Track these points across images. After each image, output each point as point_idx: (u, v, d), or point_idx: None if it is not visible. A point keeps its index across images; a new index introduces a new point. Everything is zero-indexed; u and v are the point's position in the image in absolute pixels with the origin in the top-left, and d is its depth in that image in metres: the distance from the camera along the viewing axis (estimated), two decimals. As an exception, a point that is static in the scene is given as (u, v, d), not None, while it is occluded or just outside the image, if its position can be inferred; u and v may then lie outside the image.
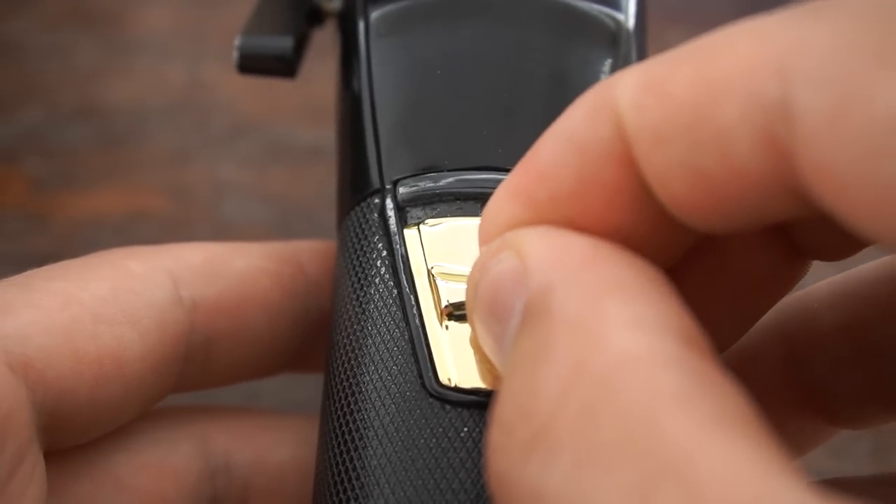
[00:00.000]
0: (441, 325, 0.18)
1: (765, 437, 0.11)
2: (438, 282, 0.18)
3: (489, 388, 0.17)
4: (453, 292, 0.18)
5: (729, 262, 0.16)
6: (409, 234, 0.19)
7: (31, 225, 0.37)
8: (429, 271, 0.18)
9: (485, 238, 0.15)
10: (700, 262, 0.16)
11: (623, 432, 0.11)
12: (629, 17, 0.21)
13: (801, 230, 0.16)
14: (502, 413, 0.13)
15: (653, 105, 0.13)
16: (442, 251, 0.18)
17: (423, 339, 0.18)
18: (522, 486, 0.12)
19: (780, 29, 0.12)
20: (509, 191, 0.15)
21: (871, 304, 0.17)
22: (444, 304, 0.18)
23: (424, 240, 0.19)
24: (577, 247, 0.14)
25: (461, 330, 0.18)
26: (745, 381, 0.15)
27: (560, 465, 0.12)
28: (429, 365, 0.17)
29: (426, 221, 0.19)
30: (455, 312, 0.18)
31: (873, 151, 0.11)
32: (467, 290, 0.15)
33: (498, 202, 0.15)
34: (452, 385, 0.17)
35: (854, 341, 0.18)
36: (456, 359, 0.17)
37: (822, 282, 0.18)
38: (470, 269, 0.16)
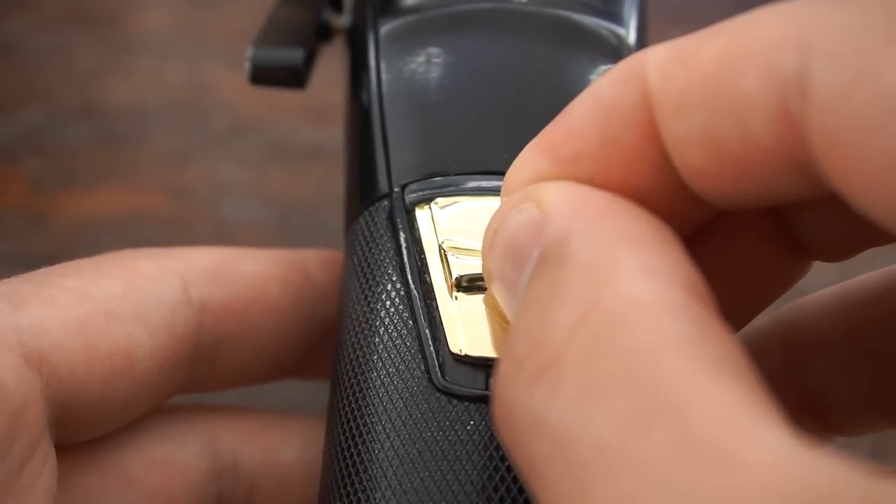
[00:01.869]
0: (451, 296, 0.18)
1: (756, 385, 0.12)
2: (449, 256, 0.19)
3: (499, 355, 0.17)
4: (464, 267, 0.18)
5: (733, 251, 0.16)
6: (421, 213, 0.19)
7: (31, 225, 0.37)
8: (440, 246, 0.19)
9: (508, 190, 0.16)
10: (706, 248, 0.16)
11: (624, 369, 0.12)
12: (630, 31, 0.22)
13: (804, 226, 0.16)
14: (513, 346, 0.14)
15: (678, 74, 0.14)
16: (453, 228, 0.19)
17: (429, 336, 0.18)
18: (526, 415, 0.13)
19: (802, 10, 0.13)
20: (536, 147, 0.15)
21: (870, 312, 0.18)
22: (454, 276, 0.18)
23: (436, 217, 0.19)
24: (596, 199, 0.14)
25: (472, 302, 0.18)
26: None
27: (563, 395, 0.12)
28: (435, 361, 0.18)
29: (437, 201, 0.19)
30: (465, 285, 0.18)
31: (878, 125, 0.11)
32: (484, 239, 0.16)
33: (524, 157, 0.16)
34: (463, 354, 0.18)
35: (853, 348, 0.18)
36: (466, 329, 0.18)
37: (823, 289, 0.19)
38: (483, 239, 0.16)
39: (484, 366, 0.18)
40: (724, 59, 0.13)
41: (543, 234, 0.14)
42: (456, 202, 0.19)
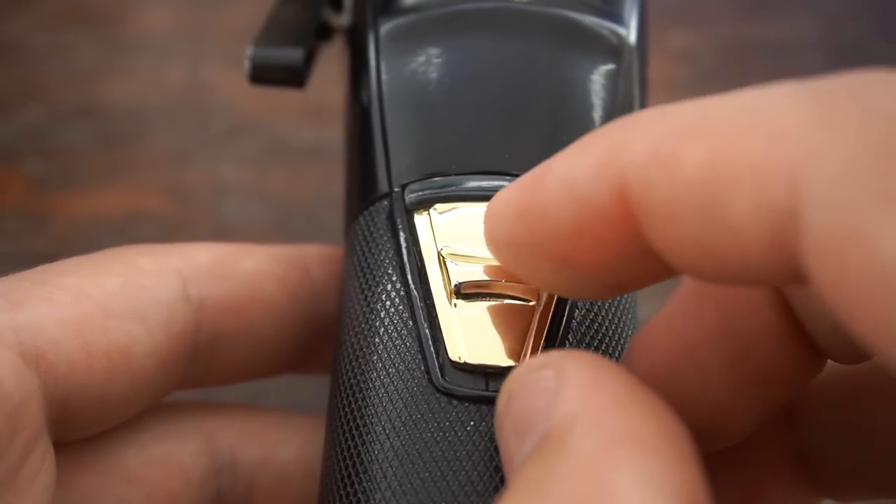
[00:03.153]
0: (450, 303, 0.18)
1: None
2: (448, 263, 0.18)
3: (497, 364, 0.17)
4: (463, 273, 0.18)
5: (748, 351, 0.16)
6: (420, 219, 0.19)
7: (31, 225, 0.37)
8: (439, 252, 0.19)
9: (489, 239, 0.16)
10: (721, 352, 0.16)
11: None
12: (631, 31, 0.22)
13: (816, 332, 0.16)
14: None
15: (662, 180, 0.13)
16: (452, 234, 0.19)
17: (429, 336, 0.18)
18: None
19: (793, 134, 0.12)
20: (514, 208, 0.15)
21: (868, 380, 0.17)
22: (453, 283, 0.18)
23: (435, 223, 0.19)
24: (611, 386, 0.14)
25: (470, 309, 0.18)
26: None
27: None
28: (435, 361, 0.18)
29: (436, 206, 0.19)
30: (464, 291, 0.18)
31: (874, 296, 0.11)
32: (500, 395, 0.16)
33: (504, 216, 0.15)
34: (462, 361, 0.17)
35: (848, 418, 0.17)
36: (465, 337, 0.18)
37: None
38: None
39: (484, 371, 0.17)
40: (710, 172, 0.13)
41: (553, 411, 0.14)
42: (454, 208, 0.19)
